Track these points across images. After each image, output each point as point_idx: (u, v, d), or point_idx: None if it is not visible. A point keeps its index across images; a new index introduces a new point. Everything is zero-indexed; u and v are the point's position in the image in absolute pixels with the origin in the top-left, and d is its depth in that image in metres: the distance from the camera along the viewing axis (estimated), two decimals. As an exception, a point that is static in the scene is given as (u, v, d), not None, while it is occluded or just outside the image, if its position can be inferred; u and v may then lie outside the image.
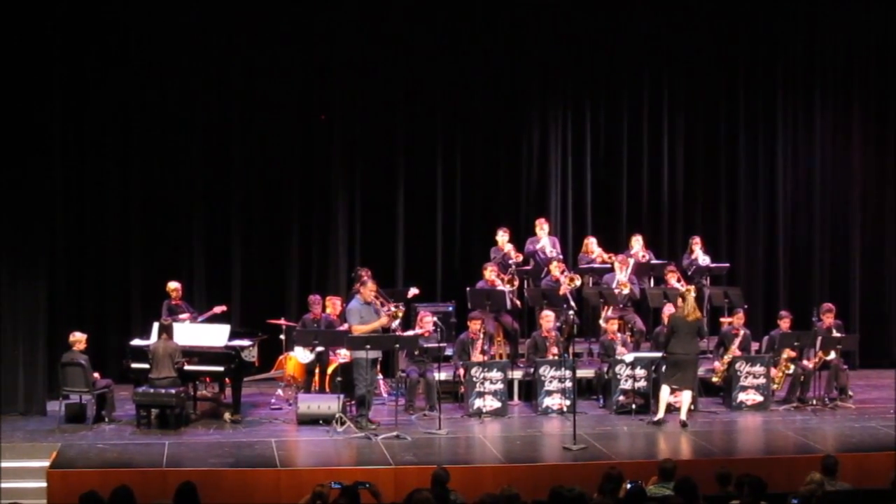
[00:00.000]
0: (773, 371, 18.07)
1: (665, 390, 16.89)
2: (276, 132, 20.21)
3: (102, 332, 19.04)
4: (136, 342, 17.33)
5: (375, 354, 16.63)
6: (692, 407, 17.38)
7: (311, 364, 17.90)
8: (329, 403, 16.66)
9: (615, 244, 20.45)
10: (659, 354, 17.19)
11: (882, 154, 21.96)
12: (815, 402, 17.97)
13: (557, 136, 21.22)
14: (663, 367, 17.11)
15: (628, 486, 10.85)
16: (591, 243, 20.06)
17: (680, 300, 17.24)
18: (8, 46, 17.23)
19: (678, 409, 16.98)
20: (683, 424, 16.69)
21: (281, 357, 18.42)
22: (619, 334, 18.28)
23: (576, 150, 21.30)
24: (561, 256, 19.64)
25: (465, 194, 20.98)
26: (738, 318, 18.39)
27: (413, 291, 19.04)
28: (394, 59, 20.57)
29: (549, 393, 17.59)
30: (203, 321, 18.01)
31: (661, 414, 16.85)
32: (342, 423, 16.26)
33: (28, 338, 17.44)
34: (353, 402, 16.69)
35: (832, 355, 18.07)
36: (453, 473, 11.57)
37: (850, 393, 18.45)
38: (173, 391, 16.32)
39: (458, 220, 20.97)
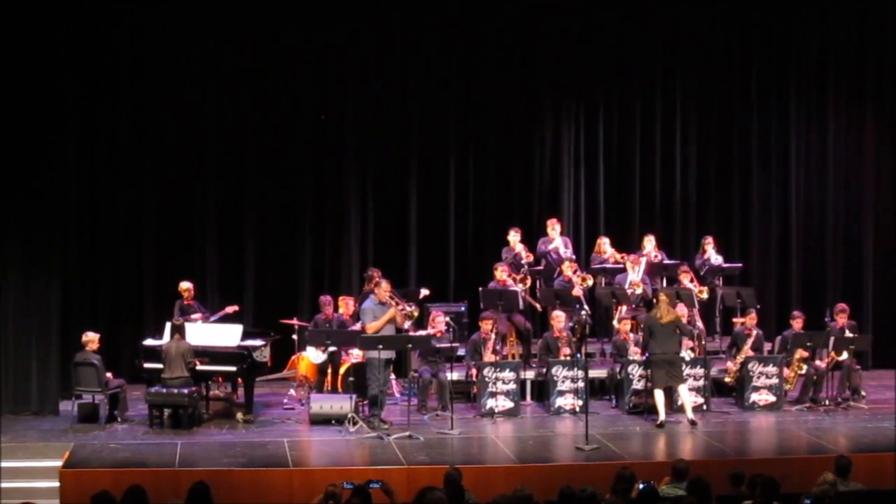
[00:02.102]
0: (786, 371, 18.05)
1: (658, 393, 16.86)
2: (288, 132, 20.22)
3: (115, 332, 19.04)
4: (149, 342, 17.37)
5: (388, 355, 16.66)
6: (704, 407, 17.40)
7: (323, 364, 17.92)
8: (341, 403, 16.68)
9: (628, 244, 20.42)
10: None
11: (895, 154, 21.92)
12: (827, 402, 17.95)
13: (570, 137, 21.21)
14: (649, 371, 17.13)
15: (641, 486, 10.85)
16: (604, 243, 20.05)
17: (654, 301, 17.23)
18: (20, 51, 17.27)
19: (684, 411, 16.97)
20: (693, 423, 16.68)
21: (293, 357, 18.44)
22: (631, 334, 18.26)
23: (588, 150, 21.29)
24: (573, 257, 19.62)
25: (478, 194, 20.98)
26: (751, 319, 18.38)
27: (424, 292, 19.02)
28: (407, 59, 20.58)
29: (562, 393, 17.59)
30: (215, 321, 18.03)
31: (661, 416, 16.81)
32: (354, 423, 16.29)
33: (41, 338, 17.49)
34: (365, 402, 16.72)
35: (845, 356, 18.04)
36: (466, 474, 11.60)
37: (863, 393, 18.43)
38: (186, 391, 16.36)
39: (470, 220, 20.97)
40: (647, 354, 17.13)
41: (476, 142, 20.94)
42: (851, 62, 21.71)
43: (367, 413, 16.60)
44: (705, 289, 19.18)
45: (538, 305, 19.53)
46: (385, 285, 16.72)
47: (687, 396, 16.93)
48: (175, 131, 19.71)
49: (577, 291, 18.75)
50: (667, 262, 19.99)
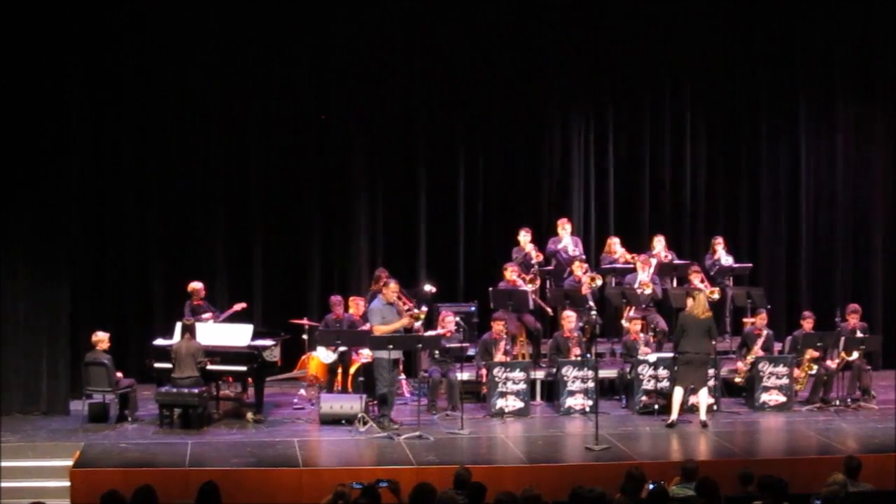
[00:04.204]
0: (796, 371, 18.03)
1: (678, 392, 16.84)
2: (297, 131, 20.22)
3: (125, 331, 19.10)
4: (159, 342, 17.39)
5: (396, 355, 16.68)
6: (714, 407, 17.38)
7: (333, 364, 17.94)
8: (351, 403, 16.70)
9: (637, 244, 20.41)
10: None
11: (905, 153, 21.89)
12: (837, 402, 17.92)
13: (580, 136, 21.20)
14: (675, 368, 17.09)
15: (650, 486, 10.84)
16: (614, 243, 20.03)
17: (690, 300, 17.18)
18: (28, 50, 17.29)
19: (698, 410, 16.95)
20: (704, 425, 16.66)
21: (303, 357, 18.46)
22: (641, 334, 18.26)
23: (598, 149, 21.27)
24: (583, 256, 19.61)
25: (487, 194, 20.98)
26: (761, 319, 18.36)
27: (430, 290, 18.97)
28: (415, 59, 20.57)
29: (572, 393, 17.58)
30: (224, 319, 18.04)
31: (674, 416, 16.80)
32: (364, 423, 16.30)
33: (51, 338, 17.52)
34: (375, 402, 16.72)
35: (855, 356, 18.02)
36: (475, 473, 11.57)
37: (873, 393, 18.40)
38: (196, 391, 16.37)
39: (479, 220, 20.96)
40: (675, 352, 17.10)
41: (485, 141, 20.92)
42: (859, 61, 21.67)
43: (377, 413, 16.61)
44: (716, 289, 19.14)
45: (549, 309, 19.48)
46: (393, 286, 16.72)
47: (705, 399, 16.88)
48: (182, 130, 19.71)
49: (585, 290, 18.74)
50: (677, 262, 19.98)
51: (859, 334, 18.23)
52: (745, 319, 19.07)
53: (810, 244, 21.73)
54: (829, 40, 21.62)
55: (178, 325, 17.01)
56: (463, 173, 20.84)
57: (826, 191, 21.78)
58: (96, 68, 18.93)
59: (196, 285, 18.27)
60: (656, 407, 17.30)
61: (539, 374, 18.33)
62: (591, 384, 17.36)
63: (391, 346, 16.30)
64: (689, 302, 17.14)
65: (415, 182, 20.66)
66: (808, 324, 18.24)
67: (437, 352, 17.52)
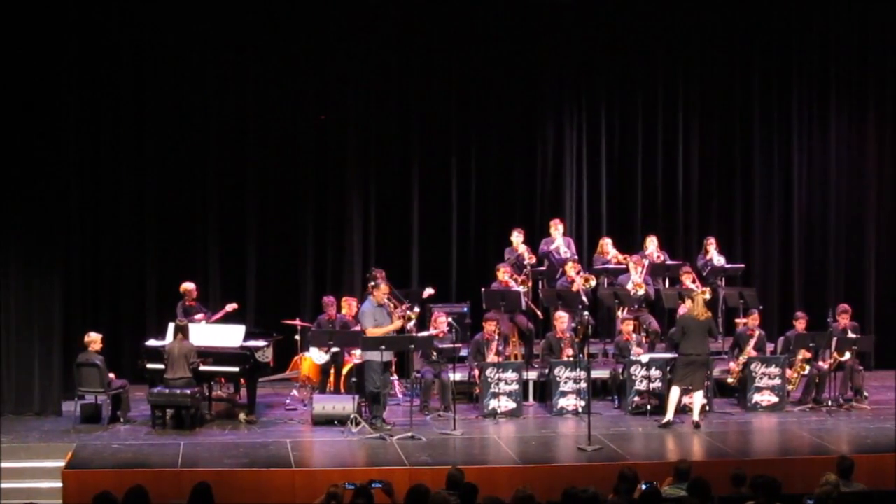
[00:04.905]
0: (789, 372, 18.04)
1: (675, 391, 16.86)
2: (291, 132, 20.22)
3: (118, 332, 19.06)
4: (152, 343, 17.38)
5: (388, 357, 16.68)
6: (706, 408, 17.38)
7: (326, 365, 17.93)
8: (344, 404, 16.68)
9: (630, 245, 20.42)
10: (674, 355, 17.13)
11: (897, 155, 21.92)
12: (830, 403, 17.92)
13: (572, 137, 21.20)
14: (669, 368, 17.10)
15: (643, 486, 10.85)
16: (607, 244, 20.03)
17: (688, 301, 17.19)
18: (23, 50, 17.27)
19: (691, 411, 16.96)
20: (696, 425, 16.66)
21: (296, 358, 18.43)
22: (634, 335, 18.26)
23: (591, 150, 21.27)
24: (576, 257, 19.61)
25: (480, 195, 20.98)
26: (753, 319, 18.37)
27: (428, 292, 19.02)
28: (409, 60, 20.58)
29: (564, 394, 17.58)
30: (216, 320, 18.03)
31: (669, 416, 16.81)
32: (357, 424, 16.28)
33: (44, 338, 17.49)
34: (367, 403, 16.71)
35: (847, 356, 18.03)
36: (468, 474, 11.55)
37: (866, 394, 18.43)
38: (188, 391, 16.35)
39: (472, 220, 20.96)
40: (676, 353, 17.09)
41: (478, 142, 20.93)
42: (853, 60, 21.68)
43: (369, 414, 16.60)
44: (707, 289, 19.14)
45: (540, 313, 19.47)
46: (384, 287, 16.71)
47: (699, 400, 16.88)
48: (177, 131, 19.71)
49: (576, 287, 18.73)
50: (669, 262, 19.99)
51: (850, 334, 18.24)
52: (737, 320, 19.09)
53: (803, 245, 21.74)
54: (824, 40, 21.62)
55: (171, 326, 16.98)
56: (456, 174, 20.85)
57: (819, 191, 21.79)
58: (93, 69, 18.94)
59: (188, 286, 18.26)
60: (649, 408, 17.30)
61: (532, 375, 18.34)
62: (583, 385, 17.36)
63: (383, 347, 16.29)
64: (688, 303, 17.16)
65: (408, 182, 20.67)
66: (800, 324, 18.25)
67: (434, 353, 17.51)
